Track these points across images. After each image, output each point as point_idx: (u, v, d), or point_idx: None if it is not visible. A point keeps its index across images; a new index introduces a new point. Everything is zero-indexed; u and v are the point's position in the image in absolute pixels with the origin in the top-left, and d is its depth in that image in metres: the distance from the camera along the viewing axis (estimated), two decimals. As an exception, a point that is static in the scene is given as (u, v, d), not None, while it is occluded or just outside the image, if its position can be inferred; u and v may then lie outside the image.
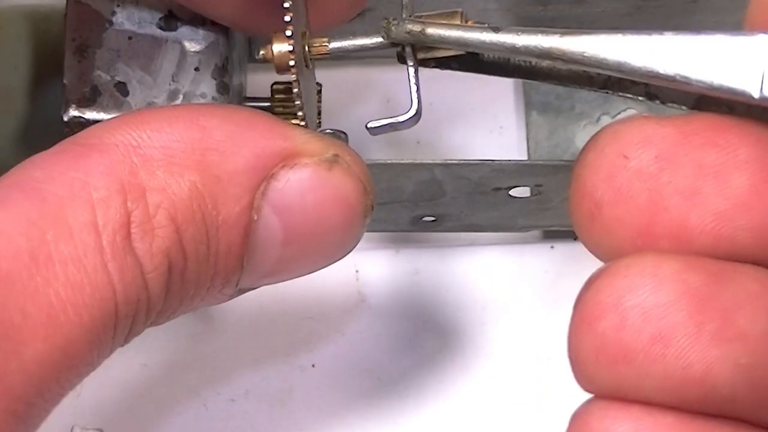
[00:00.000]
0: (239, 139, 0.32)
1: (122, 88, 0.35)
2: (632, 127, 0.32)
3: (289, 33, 0.35)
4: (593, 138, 0.32)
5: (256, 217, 0.33)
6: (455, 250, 0.43)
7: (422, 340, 0.42)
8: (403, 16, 0.37)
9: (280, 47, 0.36)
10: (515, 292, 0.43)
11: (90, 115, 0.35)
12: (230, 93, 0.36)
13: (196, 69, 0.36)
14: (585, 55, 0.33)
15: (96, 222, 0.31)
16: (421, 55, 0.37)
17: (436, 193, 0.39)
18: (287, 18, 0.35)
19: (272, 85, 0.39)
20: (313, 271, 0.35)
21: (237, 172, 0.32)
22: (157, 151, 0.32)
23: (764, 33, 0.31)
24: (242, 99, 0.39)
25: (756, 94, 0.31)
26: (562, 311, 0.30)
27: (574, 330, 0.31)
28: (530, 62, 0.37)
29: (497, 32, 0.35)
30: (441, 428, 0.41)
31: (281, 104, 0.39)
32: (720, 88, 0.31)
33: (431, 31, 0.36)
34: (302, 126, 0.35)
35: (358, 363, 0.42)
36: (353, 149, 0.34)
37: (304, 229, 0.34)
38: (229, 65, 0.36)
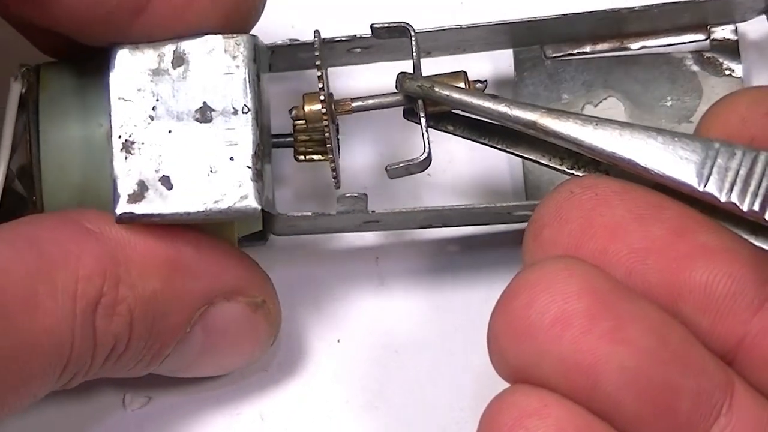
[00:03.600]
0: (201, 267, 0.38)
1: (167, 182, 0.37)
2: (585, 177, 0.37)
3: (322, 97, 0.38)
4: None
5: (188, 330, 0.39)
6: (464, 238, 0.46)
7: (435, 317, 0.46)
8: (414, 73, 0.40)
9: (311, 107, 0.39)
10: (520, 272, 0.46)
11: (140, 210, 0.37)
12: (264, 179, 0.38)
13: (231, 159, 0.38)
14: (564, 133, 0.37)
15: (76, 291, 0.36)
16: (429, 109, 0.40)
17: (444, 220, 0.43)
18: (320, 85, 0.38)
19: (294, 124, 0.42)
20: (215, 375, 0.43)
21: (190, 292, 0.38)
22: (139, 256, 0.37)
23: (713, 140, 0.36)
24: (269, 138, 0.42)
25: (700, 188, 0.36)
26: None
27: (493, 311, 0.35)
28: (516, 132, 0.40)
29: (494, 100, 0.39)
30: (452, 397, 0.45)
31: (303, 144, 0.42)
32: (671, 179, 0.36)
33: (438, 89, 0.39)
34: (252, 265, 0.41)
35: (377, 338, 0.46)
36: (278, 300, 0.42)
37: (218, 348, 0.41)
38: (260, 150, 0.38)
